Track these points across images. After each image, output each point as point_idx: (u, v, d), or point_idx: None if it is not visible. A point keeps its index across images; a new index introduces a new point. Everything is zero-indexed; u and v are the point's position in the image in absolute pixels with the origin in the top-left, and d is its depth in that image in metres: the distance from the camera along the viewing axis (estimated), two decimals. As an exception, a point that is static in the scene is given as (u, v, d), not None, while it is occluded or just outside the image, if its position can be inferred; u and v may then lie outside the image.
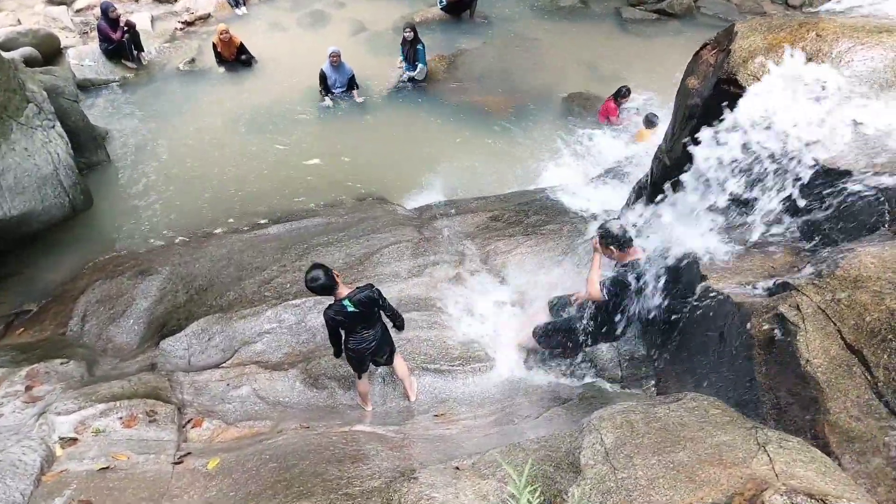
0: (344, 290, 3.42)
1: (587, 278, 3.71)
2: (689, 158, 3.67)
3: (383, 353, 3.74)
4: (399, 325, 3.71)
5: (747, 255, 3.45)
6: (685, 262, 3.63)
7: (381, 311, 3.61)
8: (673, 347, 3.69)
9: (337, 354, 3.67)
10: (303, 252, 5.49)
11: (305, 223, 6.09)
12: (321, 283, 3.32)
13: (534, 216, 5.81)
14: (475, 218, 5.96)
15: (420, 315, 4.65)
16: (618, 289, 3.60)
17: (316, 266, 3.37)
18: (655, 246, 3.79)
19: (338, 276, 3.42)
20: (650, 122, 7.64)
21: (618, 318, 3.76)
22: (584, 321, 3.87)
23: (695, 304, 3.37)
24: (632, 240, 3.63)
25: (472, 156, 7.61)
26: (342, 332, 3.56)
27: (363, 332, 3.58)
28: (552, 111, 8.65)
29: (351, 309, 3.42)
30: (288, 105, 8.49)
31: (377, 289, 3.52)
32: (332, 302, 3.45)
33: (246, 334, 4.64)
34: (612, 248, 3.64)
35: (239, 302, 4.94)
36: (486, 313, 4.75)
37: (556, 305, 4.32)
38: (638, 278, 3.60)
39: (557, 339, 4.09)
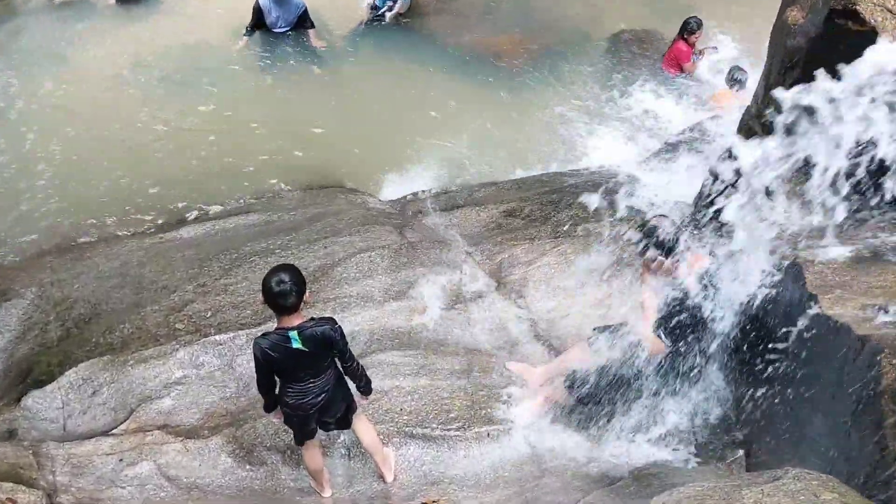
0: (295, 319, 3.42)
1: (644, 313, 3.79)
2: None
3: (335, 411, 3.72)
4: (364, 388, 3.73)
5: (874, 263, 3.50)
6: (783, 273, 3.64)
7: (338, 359, 3.62)
8: (767, 401, 3.70)
9: (267, 408, 3.67)
10: (230, 265, 5.50)
11: (235, 222, 6.13)
12: (286, 290, 3.31)
13: (566, 211, 5.90)
14: (482, 213, 6.06)
15: (402, 356, 4.68)
16: (681, 326, 3.64)
17: (286, 267, 3.41)
18: (735, 248, 3.76)
19: (309, 295, 3.46)
20: (736, 80, 7.75)
21: (690, 361, 3.80)
22: (640, 367, 3.92)
23: (798, 337, 3.37)
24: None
25: (477, 123, 7.64)
26: (276, 378, 3.55)
27: (307, 382, 3.56)
28: (592, 57, 8.75)
29: (296, 345, 3.40)
30: (212, 52, 8.52)
31: (340, 327, 3.53)
32: (272, 331, 3.46)
33: (148, 386, 4.63)
34: (659, 259, 3.71)
35: (138, 338, 4.92)
36: (497, 353, 4.82)
37: (600, 341, 4.32)
38: (707, 297, 3.66)
39: (600, 391, 4.14)
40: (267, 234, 5.81)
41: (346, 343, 3.58)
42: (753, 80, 6.04)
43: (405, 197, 6.63)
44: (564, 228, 5.71)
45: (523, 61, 8.51)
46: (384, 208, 6.39)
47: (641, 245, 3.76)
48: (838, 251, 3.59)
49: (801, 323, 3.38)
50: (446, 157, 7.14)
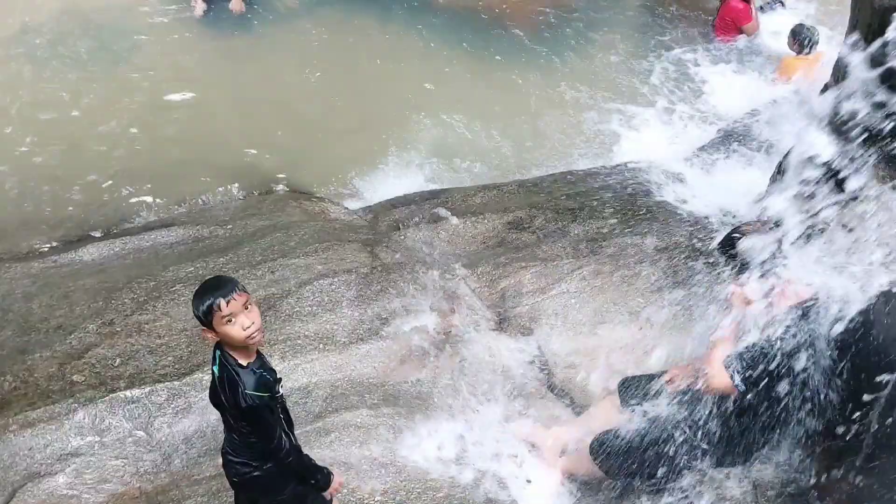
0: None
1: (707, 352, 3.80)
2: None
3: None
4: (318, 483, 3.57)
5: None
6: (875, 303, 3.66)
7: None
8: (859, 467, 3.67)
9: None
10: (145, 296, 5.47)
11: (152, 240, 6.15)
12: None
13: (590, 221, 5.96)
14: (480, 225, 6.14)
15: (374, 416, 4.69)
16: (761, 367, 3.67)
17: (227, 278, 3.33)
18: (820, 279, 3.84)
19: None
20: (802, 41, 7.78)
21: (764, 419, 3.85)
22: (694, 427, 3.95)
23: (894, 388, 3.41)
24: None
25: (473, 107, 7.65)
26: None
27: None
28: (622, 18, 8.85)
29: (217, 375, 3.36)
30: (121, 13, 8.51)
31: (267, 390, 3.35)
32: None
33: (35, 458, 4.49)
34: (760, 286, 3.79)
35: (23, 395, 4.85)
36: (501, 411, 4.82)
37: (632, 393, 4.35)
38: (808, 344, 3.68)
39: (638, 459, 4.11)
40: (194, 256, 5.80)
41: (287, 410, 3.50)
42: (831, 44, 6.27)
43: (378, 204, 6.63)
44: (589, 244, 5.77)
45: (534, 25, 8.61)
46: (350, 219, 6.42)
47: (733, 263, 3.86)
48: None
49: None
50: (433, 152, 7.18)
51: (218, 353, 3.34)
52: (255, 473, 3.50)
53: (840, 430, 3.75)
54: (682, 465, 4.05)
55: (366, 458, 4.49)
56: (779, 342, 3.66)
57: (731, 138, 6.65)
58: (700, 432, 3.94)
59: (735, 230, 3.90)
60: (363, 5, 8.71)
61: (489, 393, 4.97)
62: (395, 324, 5.26)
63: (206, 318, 3.20)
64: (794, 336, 3.66)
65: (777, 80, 7.75)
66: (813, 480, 3.98)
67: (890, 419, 3.46)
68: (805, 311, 3.70)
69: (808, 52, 7.74)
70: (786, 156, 5.30)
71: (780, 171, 5.38)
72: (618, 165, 6.82)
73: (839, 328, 3.66)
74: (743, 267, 3.78)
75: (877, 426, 3.52)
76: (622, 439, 4.14)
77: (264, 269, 5.63)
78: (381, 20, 8.63)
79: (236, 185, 6.87)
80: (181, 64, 8.22)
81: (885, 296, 3.61)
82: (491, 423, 4.79)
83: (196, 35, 8.57)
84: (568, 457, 4.44)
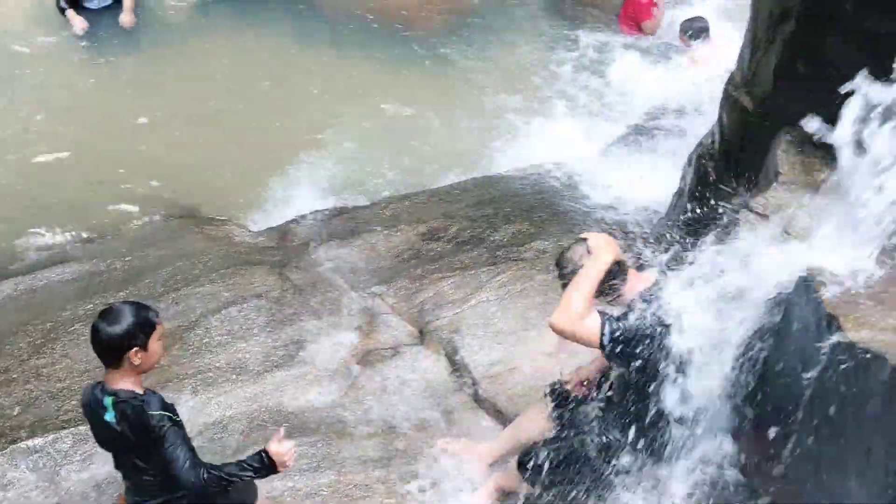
0: (120, 381, 3.46)
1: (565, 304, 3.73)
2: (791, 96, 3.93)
3: None
4: (254, 476, 3.58)
5: None
6: (796, 294, 3.69)
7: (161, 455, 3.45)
8: (789, 459, 3.70)
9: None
10: (43, 339, 5.37)
11: (46, 279, 6.02)
12: (100, 330, 3.38)
13: (505, 227, 6.03)
14: (393, 238, 6.17)
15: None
16: (632, 337, 3.70)
17: (123, 304, 3.57)
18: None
19: (135, 353, 3.42)
20: (688, 34, 7.99)
21: (657, 400, 3.83)
22: (603, 425, 4.00)
23: (820, 374, 3.40)
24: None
25: (380, 116, 7.68)
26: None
27: (143, 483, 3.57)
28: (528, 17, 8.91)
29: (109, 418, 3.44)
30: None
31: (164, 414, 3.42)
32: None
33: None
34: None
35: None
36: (425, 428, 4.84)
37: (561, 400, 4.32)
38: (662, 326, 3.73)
39: (568, 468, 4.06)
40: (92, 292, 5.72)
41: (178, 440, 3.43)
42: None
43: (285, 223, 6.60)
44: (506, 251, 5.82)
45: (439, 28, 8.60)
46: (256, 241, 6.38)
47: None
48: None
49: (824, 353, 3.38)
50: (340, 165, 7.17)
51: (103, 394, 3.42)
52: None
53: (768, 418, 3.81)
54: (606, 470, 4.05)
55: (290, 490, 4.46)
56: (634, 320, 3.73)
57: (643, 132, 6.79)
58: (609, 428, 4.00)
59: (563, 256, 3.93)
60: (255, 17, 8.67)
61: (414, 412, 4.99)
62: (310, 348, 5.27)
63: (147, 331, 3.38)
64: (650, 318, 3.72)
65: (689, 68, 7.92)
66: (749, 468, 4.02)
67: (814, 414, 3.51)
68: (650, 295, 3.77)
69: (700, 40, 7.96)
70: (697, 147, 5.45)
71: (689, 163, 5.51)
72: (531, 167, 6.90)
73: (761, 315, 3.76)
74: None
75: (801, 413, 3.56)
76: (548, 451, 4.13)
77: (168, 300, 5.57)
78: (276, 33, 8.61)
79: (132, 214, 6.80)
80: (63, 88, 8.10)
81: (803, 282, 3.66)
82: (417, 442, 4.79)
83: (79, 55, 8.47)
84: (499, 473, 4.43)
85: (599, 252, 3.79)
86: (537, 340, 5.20)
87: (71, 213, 6.78)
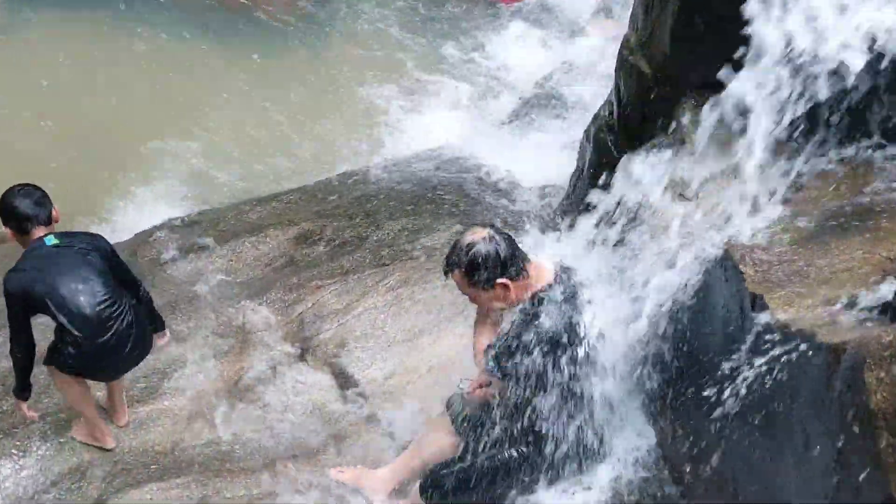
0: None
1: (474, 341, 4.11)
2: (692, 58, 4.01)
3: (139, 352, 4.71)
4: (160, 325, 4.95)
5: (835, 235, 3.66)
6: (713, 271, 3.84)
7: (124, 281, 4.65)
8: (715, 460, 3.82)
9: (23, 391, 4.66)
10: None
11: None
12: (35, 195, 4.47)
13: (389, 223, 6.01)
14: (262, 245, 6.11)
15: (165, 489, 4.65)
16: (519, 353, 3.83)
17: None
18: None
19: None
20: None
21: (547, 422, 3.95)
22: (509, 439, 4.04)
23: (749, 364, 3.47)
24: (525, 256, 3.93)
25: (233, 108, 7.66)
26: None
27: (99, 292, 4.46)
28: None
29: (50, 243, 4.38)
30: None
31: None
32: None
33: None
34: (488, 283, 3.87)
35: None
36: (315, 456, 4.83)
37: (462, 412, 4.35)
38: (570, 329, 3.85)
39: (477, 488, 4.11)
40: None
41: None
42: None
43: (136, 237, 6.47)
44: (391, 251, 5.81)
45: (292, 9, 8.62)
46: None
47: (457, 270, 3.94)
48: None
49: (747, 338, 3.50)
50: (193, 167, 7.10)
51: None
52: None
53: (690, 409, 3.93)
54: (518, 488, 4.12)
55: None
56: (532, 325, 3.86)
57: (533, 105, 6.83)
58: (515, 441, 4.04)
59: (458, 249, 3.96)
60: (90, 9, 8.58)
61: (300, 439, 4.95)
62: (176, 377, 5.20)
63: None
64: (547, 321, 3.86)
65: (587, 35, 8.03)
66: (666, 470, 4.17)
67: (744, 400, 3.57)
68: (543, 296, 3.90)
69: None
70: (594, 120, 5.52)
71: (587, 138, 5.58)
72: (413, 156, 6.89)
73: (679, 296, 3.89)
74: (492, 269, 3.92)
75: (726, 408, 3.63)
76: (452, 471, 4.18)
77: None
78: (114, 24, 8.59)
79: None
80: None
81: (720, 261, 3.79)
82: (305, 473, 4.75)
83: None
84: (402, 500, 4.46)
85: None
86: (433, 347, 5.29)
87: None
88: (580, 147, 5.64)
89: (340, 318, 5.52)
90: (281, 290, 5.74)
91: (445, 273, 3.98)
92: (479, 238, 3.83)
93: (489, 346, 3.99)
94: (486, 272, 3.82)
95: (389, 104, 7.63)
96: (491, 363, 3.93)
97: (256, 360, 5.38)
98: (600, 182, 4.52)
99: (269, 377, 5.30)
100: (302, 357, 5.43)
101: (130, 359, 4.63)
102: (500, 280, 3.82)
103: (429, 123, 7.38)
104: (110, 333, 4.41)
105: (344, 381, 5.29)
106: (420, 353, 5.32)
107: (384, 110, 7.62)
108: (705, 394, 3.75)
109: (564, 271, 3.99)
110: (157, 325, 4.86)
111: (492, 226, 4.05)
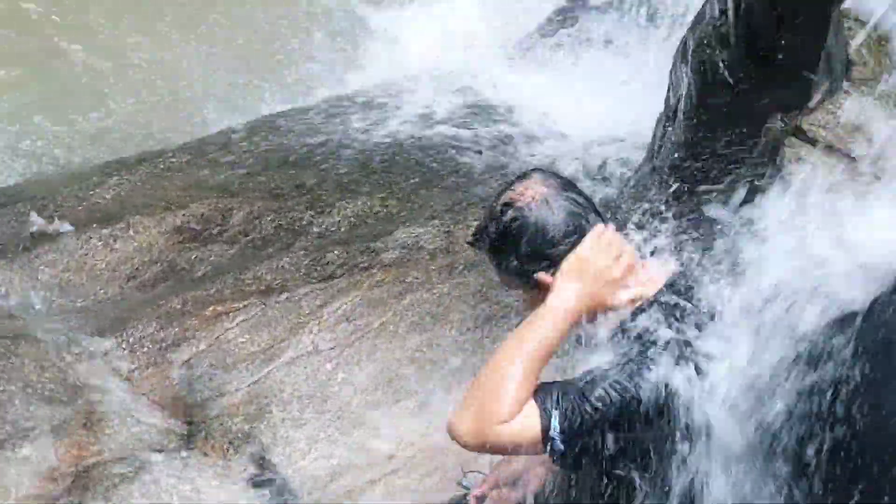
0: None
1: (483, 391, 3.05)
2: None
3: None
4: None
5: None
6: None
7: None
8: None
9: None
10: None
11: None
12: None
13: (343, 203, 5.35)
14: (122, 242, 5.28)
15: None
16: (612, 412, 2.78)
17: None
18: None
19: None
20: None
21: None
22: None
23: None
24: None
25: (87, 46, 7.23)
26: None
27: None
28: None
29: None
30: None
31: None
32: None
33: None
34: (522, 275, 3.02)
35: None
36: None
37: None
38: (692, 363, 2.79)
39: None
40: None
41: None
42: None
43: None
44: (345, 252, 4.99)
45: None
46: None
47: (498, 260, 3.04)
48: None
49: None
50: (28, 124, 6.54)
51: None
52: None
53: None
54: None
55: None
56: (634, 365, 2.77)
57: (569, 19, 6.27)
58: None
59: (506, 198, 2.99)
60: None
61: None
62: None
63: None
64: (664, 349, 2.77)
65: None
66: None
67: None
68: (658, 303, 2.95)
69: None
70: (693, 27, 4.89)
71: (683, 58, 4.79)
72: (383, 85, 6.28)
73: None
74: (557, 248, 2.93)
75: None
76: None
77: None
78: None
79: None
80: None
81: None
82: None
83: None
84: None
85: (580, 277, 2.92)
86: (416, 418, 4.45)
87: None
88: (670, 76, 4.91)
89: (257, 369, 4.57)
90: (154, 321, 4.77)
91: (472, 245, 3.34)
92: (530, 195, 2.95)
93: (545, 391, 2.84)
94: (521, 255, 2.99)
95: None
96: (555, 425, 2.78)
97: (109, 444, 4.40)
98: (752, 151, 3.92)
99: (130, 475, 4.27)
100: (189, 440, 4.48)
101: None
102: (539, 275, 2.90)
103: (405, 41, 6.88)
104: None
105: (262, 481, 4.35)
106: (395, 429, 4.41)
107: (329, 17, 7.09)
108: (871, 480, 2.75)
109: (682, 279, 2.98)
110: None
111: (557, 176, 3.14)
